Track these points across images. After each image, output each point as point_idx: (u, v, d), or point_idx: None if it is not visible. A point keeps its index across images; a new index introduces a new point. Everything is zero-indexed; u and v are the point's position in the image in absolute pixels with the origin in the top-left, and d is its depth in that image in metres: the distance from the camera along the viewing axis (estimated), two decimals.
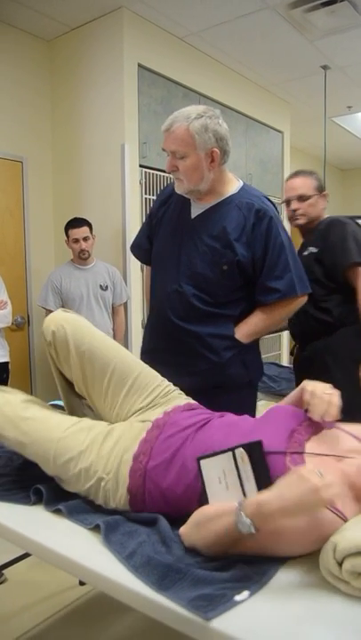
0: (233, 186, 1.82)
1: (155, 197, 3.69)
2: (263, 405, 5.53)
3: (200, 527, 1.06)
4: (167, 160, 1.72)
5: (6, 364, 3.07)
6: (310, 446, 1.15)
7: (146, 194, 3.68)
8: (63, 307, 3.25)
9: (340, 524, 1.01)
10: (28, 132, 3.77)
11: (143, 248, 2.03)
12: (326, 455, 1.13)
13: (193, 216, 1.81)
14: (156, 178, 3.76)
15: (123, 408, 1.46)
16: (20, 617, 2.09)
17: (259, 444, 1.10)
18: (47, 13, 3.45)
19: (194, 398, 1.55)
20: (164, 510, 1.20)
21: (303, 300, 1.85)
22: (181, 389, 1.58)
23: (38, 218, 3.83)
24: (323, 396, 1.19)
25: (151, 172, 3.71)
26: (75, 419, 1.45)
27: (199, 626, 0.87)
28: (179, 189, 1.77)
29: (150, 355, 1.88)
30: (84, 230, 3.28)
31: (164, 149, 1.72)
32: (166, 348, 1.84)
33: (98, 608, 2.17)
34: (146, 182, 3.69)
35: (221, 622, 0.87)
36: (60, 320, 1.52)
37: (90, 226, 3.32)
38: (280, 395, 2.74)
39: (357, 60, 4.26)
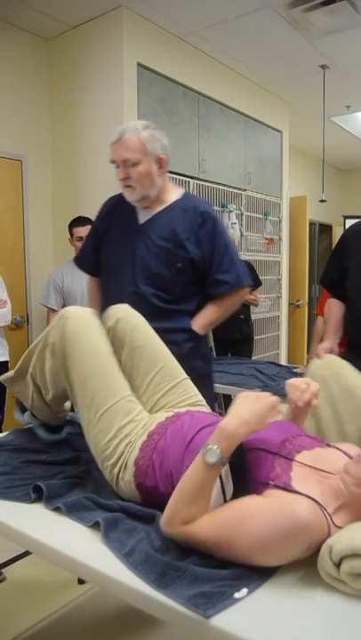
0: (175, 193, 2.02)
1: None
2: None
3: (177, 493, 1.08)
4: (118, 171, 1.89)
5: (5, 363, 3.08)
6: (300, 457, 1.15)
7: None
8: (64, 305, 3.25)
9: (327, 531, 1.00)
10: (28, 131, 3.76)
11: (90, 260, 2.15)
12: (312, 468, 1.12)
13: (141, 222, 1.97)
14: None
15: (157, 404, 1.55)
16: (20, 616, 2.09)
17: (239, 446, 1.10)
18: (47, 12, 3.45)
19: None
20: (162, 489, 1.21)
21: (246, 290, 2.10)
22: None
23: (38, 217, 3.83)
24: (300, 384, 1.30)
25: None
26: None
27: (198, 623, 0.88)
28: (131, 197, 1.92)
29: None
30: (88, 229, 3.28)
31: (113, 160, 1.88)
32: None
33: (97, 606, 2.17)
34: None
35: (220, 620, 0.87)
36: (126, 312, 1.65)
37: None
38: (278, 394, 2.74)
39: (356, 59, 4.26)
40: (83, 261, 2.20)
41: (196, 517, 1.06)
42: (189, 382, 1.62)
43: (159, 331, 1.84)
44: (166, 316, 1.95)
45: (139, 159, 1.86)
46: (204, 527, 1.04)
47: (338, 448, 1.22)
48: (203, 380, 1.96)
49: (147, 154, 1.87)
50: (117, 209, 2.04)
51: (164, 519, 1.09)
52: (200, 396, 1.61)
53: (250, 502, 1.05)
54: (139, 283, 1.93)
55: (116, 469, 1.34)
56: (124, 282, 1.94)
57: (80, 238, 3.29)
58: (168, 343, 1.86)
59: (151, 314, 1.85)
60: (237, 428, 1.06)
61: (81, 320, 1.52)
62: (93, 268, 2.15)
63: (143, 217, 1.98)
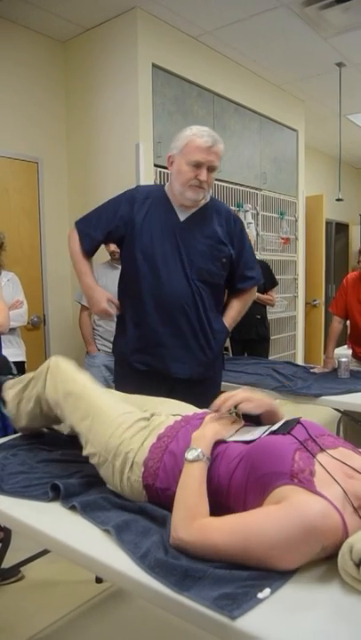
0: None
1: None
2: (279, 405, 5.46)
3: (177, 498, 1.14)
4: (200, 172, 1.97)
5: (22, 363, 3.09)
6: (323, 454, 1.15)
7: None
8: None
9: (342, 533, 0.99)
10: (44, 133, 3.79)
11: (96, 240, 2.16)
12: (337, 461, 1.12)
13: (182, 219, 2.07)
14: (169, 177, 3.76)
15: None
16: (37, 614, 2.10)
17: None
18: (61, 15, 3.47)
19: (185, 389, 1.92)
20: (173, 488, 1.21)
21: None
22: (179, 378, 2.02)
23: (54, 218, 3.85)
24: (222, 396, 1.36)
25: (166, 171, 3.71)
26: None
27: (224, 625, 0.87)
28: (197, 196, 2.02)
29: (149, 349, 2.06)
30: None
31: (199, 162, 1.96)
32: (176, 341, 2.05)
33: (115, 605, 2.17)
34: (161, 181, 3.69)
35: (246, 621, 0.87)
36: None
37: None
38: (295, 394, 2.73)
39: None
40: (89, 240, 2.17)
41: (201, 513, 1.08)
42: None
43: (208, 325, 2.07)
44: (211, 311, 2.11)
45: (217, 167, 2.03)
46: (216, 529, 1.04)
47: (355, 450, 1.21)
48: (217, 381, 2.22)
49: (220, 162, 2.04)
50: (152, 202, 2.09)
51: (173, 525, 1.09)
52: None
53: (263, 509, 1.06)
54: (190, 277, 2.03)
55: (119, 468, 1.34)
56: (173, 275, 2.02)
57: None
58: (211, 338, 2.10)
59: (196, 306, 2.04)
60: (205, 430, 1.27)
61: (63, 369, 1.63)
62: (93, 247, 2.18)
63: (182, 215, 2.08)
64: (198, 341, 2.06)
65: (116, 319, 2.21)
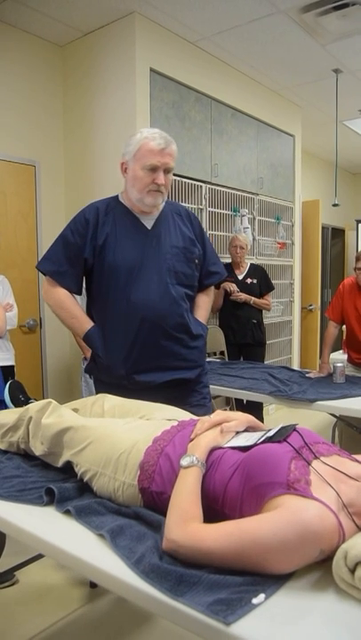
0: None
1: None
2: (275, 410, 5.52)
3: (172, 502, 1.14)
4: (157, 176, 1.92)
5: (12, 367, 3.03)
6: (318, 462, 1.15)
7: None
8: None
9: (339, 536, 1.00)
10: (41, 137, 3.79)
11: (73, 275, 2.02)
12: (331, 469, 1.12)
13: (149, 227, 2.03)
14: None
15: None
16: (32, 619, 2.09)
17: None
18: (60, 19, 3.48)
19: (172, 395, 1.87)
20: (168, 491, 1.21)
21: None
22: (171, 387, 1.97)
23: (51, 221, 3.86)
24: (199, 423, 1.36)
25: None
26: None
27: (219, 631, 0.87)
28: (156, 201, 1.98)
29: (133, 359, 1.98)
30: None
31: (155, 166, 1.91)
32: (158, 352, 1.99)
33: (109, 611, 2.16)
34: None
35: (240, 627, 0.86)
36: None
37: None
38: (291, 398, 2.74)
39: None
40: (64, 277, 2.02)
41: (194, 517, 1.08)
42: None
43: (188, 331, 2.03)
44: (192, 313, 2.11)
45: (173, 168, 1.98)
46: (211, 533, 1.04)
47: (356, 459, 1.21)
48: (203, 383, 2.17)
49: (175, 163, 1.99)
50: (112, 216, 2.02)
51: (167, 528, 1.08)
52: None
53: (260, 515, 1.05)
54: (169, 283, 1.99)
55: (111, 475, 1.34)
56: (152, 285, 1.96)
57: None
58: (196, 342, 2.07)
59: (179, 313, 2.00)
60: (201, 442, 1.26)
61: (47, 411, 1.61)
62: (77, 284, 2.04)
63: (147, 222, 2.03)
64: (186, 345, 2.03)
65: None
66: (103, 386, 2.04)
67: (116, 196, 2.08)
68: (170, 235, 2.04)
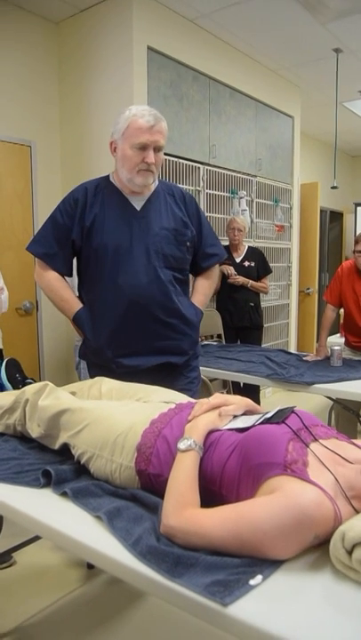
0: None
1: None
2: (271, 392, 5.53)
3: (169, 485, 1.13)
4: (147, 154, 1.87)
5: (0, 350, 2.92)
6: (316, 444, 1.15)
7: None
8: None
9: (335, 521, 1.00)
10: (37, 116, 3.74)
11: (63, 257, 2.01)
12: (330, 451, 1.12)
13: (138, 208, 1.98)
14: (166, 162, 3.73)
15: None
16: (29, 599, 2.11)
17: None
18: None
19: (158, 377, 1.85)
20: (165, 474, 1.21)
21: None
22: (157, 371, 1.95)
23: (47, 203, 3.81)
24: (197, 404, 1.36)
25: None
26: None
27: (216, 612, 0.87)
28: (147, 180, 1.92)
29: (128, 346, 1.97)
30: None
31: (145, 144, 1.85)
32: (145, 335, 1.97)
33: (106, 591, 2.18)
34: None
35: (238, 607, 0.86)
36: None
37: None
38: (288, 381, 2.74)
39: None
40: (54, 259, 2.01)
41: (191, 502, 1.08)
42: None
43: (179, 315, 2.01)
44: (181, 298, 2.04)
45: (164, 146, 1.92)
46: (208, 517, 1.04)
47: (354, 443, 1.21)
48: (192, 364, 2.15)
49: (165, 141, 1.93)
50: (101, 197, 1.98)
51: (164, 513, 1.08)
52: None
53: (256, 498, 1.05)
54: (157, 267, 1.95)
55: (108, 457, 1.34)
56: (140, 268, 1.93)
57: None
58: (185, 327, 2.03)
59: (168, 297, 1.97)
60: (199, 422, 1.26)
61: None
62: (66, 266, 2.04)
63: (137, 203, 1.98)
64: (175, 328, 2.00)
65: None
66: (95, 369, 2.03)
67: (107, 176, 2.05)
68: (160, 216, 1.99)
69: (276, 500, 1.00)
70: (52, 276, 2.01)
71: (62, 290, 2.02)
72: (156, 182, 2.04)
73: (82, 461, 1.41)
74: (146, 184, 1.94)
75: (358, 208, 7.11)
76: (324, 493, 1.00)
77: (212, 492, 1.16)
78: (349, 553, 0.94)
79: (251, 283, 4.07)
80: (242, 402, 1.38)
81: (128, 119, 1.86)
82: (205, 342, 3.88)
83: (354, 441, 1.22)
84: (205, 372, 3.08)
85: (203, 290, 2.16)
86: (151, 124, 1.84)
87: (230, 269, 4.00)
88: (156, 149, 1.89)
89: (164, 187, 2.07)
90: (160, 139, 1.88)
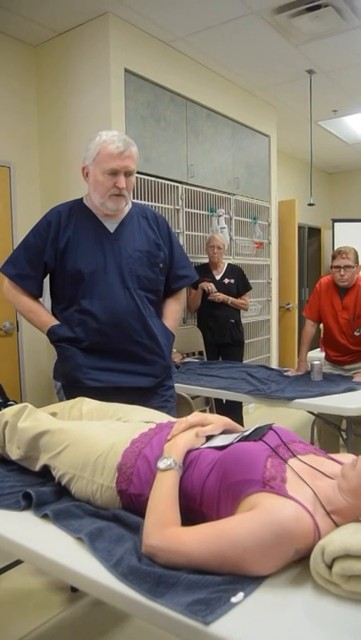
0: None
1: (141, 201, 3.70)
2: (254, 408, 5.54)
3: (150, 506, 1.14)
4: (118, 179, 1.90)
5: None
6: (294, 460, 1.17)
7: (134, 198, 3.67)
8: None
9: (314, 535, 1.01)
10: (16, 138, 3.75)
11: (34, 278, 2.03)
12: (308, 467, 1.14)
13: (112, 230, 2.01)
14: (144, 182, 3.77)
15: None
16: (12, 625, 2.07)
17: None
18: (33, 18, 3.45)
19: (134, 396, 1.86)
20: (146, 493, 1.21)
21: None
22: (132, 392, 1.95)
23: (26, 223, 3.78)
24: (175, 424, 1.37)
25: (139, 176, 3.71)
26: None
27: (198, 631, 0.87)
28: (119, 205, 1.96)
29: (102, 365, 1.97)
30: None
31: (116, 170, 1.89)
32: (119, 357, 1.98)
33: (90, 614, 2.15)
34: (134, 186, 3.68)
35: (219, 626, 0.87)
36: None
37: None
38: (269, 397, 2.75)
39: (342, 64, 4.30)
40: (21, 279, 2.02)
41: (172, 521, 1.08)
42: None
43: (152, 336, 2.01)
44: (155, 320, 2.06)
45: (135, 170, 1.96)
46: (189, 536, 1.04)
47: (332, 458, 1.22)
48: (167, 384, 2.15)
49: (136, 165, 1.97)
50: (75, 220, 2.01)
51: (145, 533, 1.09)
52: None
53: (235, 516, 1.06)
54: (131, 288, 1.97)
55: (89, 477, 1.33)
56: (115, 290, 1.95)
57: None
58: (158, 348, 2.04)
59: (143, 319, 1.98)
60: (178, 441, 1.27)
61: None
62: (37, 288, 2.05)
63: (111, 225, 2.01)
64: (149, 350, 2.01)
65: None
66: (71, 390, 2.02)
67: (81, 199, 2.07)
68: (133, 238, 2.02)
69: (255, 516, 1.00)
70: (24, 298, 2.04)
71: (30, 302, 2.05)
72: (130, 205, 2.07)
73: (63, 483, 1.40)
74: (118, 208, 1.97)
75: (336, 224, 7.23)
76: (302, 508, 1.01)
77: (193, 510, 1.16)
78: (329, 567, 0.95)
79: (231, 300, 4.10)
80: (220, 421, 1.39)
81: (98, 145, 1.89)
82: (187, 359, 3.89)
83: (332, 455, 1.24)
84: (187, 389, 3.09)
85: (173, 315, 2.18)
86: (121, 150, 1.87)
87: (211, 286, 4.03)
88: (127, 174, 1.92)
89: (137, 209, 2.10)
90: (130, 164, 1.91)
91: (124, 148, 1.88)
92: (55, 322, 2.02)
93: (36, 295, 2.06)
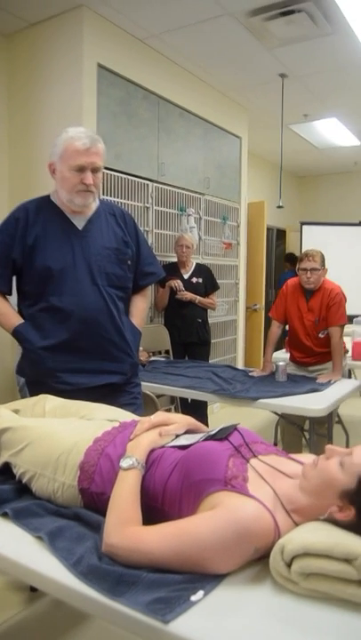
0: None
1: (111, 198, 3.67)
2: (218, 408, 5.57)
3: (111, 505, 1.13)
4: (84, 176, 1.88)
5: None
6: (256, 460, 1.18)
7: (104, 194, 3.65)
8: None
9: (274, 534, 1.02)
10: None
11: (1, 274, 1.99)
12: (269, 467, 1.16)
13: (80, 227, 2.00)
14: (114, 179, 3.75)
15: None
16: None
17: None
18: (5, 8, 3.38)
19: (101, 394, 1.83)
20: (108, 492, 1.20)
21: None
22: (101, 390, 1.93)
23: None
24: (139, 423, 1.36)
25: (109, 172, 3.69)
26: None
27: (157, 629, 0.87)
28: (86, 201, 1.95)
29: (70, 366, 1.95)
30: None
31: (82, 166, 1.87)
32: (88, 354, 1.97)
33: (50, 614, 2.13)
34: (104, 183, 3.66)
35: (178, 624, 0.87)
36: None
37: None
38: (234, 397, 2.77)
39: (314, 69, 4.36)
40: None
41: (133, 520, 1.08)
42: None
43: (121, 334, 2.01)
44: (124, 317, 2.07)
45: (102, 167, 1.94)
46: (150, 534, 1.05)
47: (293, 458, 1.24)
48: (135, 381, 2.16)
49: (103, 162, 1.96)
50: (43, 216, 1.99)
51: (106, 531, 1.08)
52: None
53: (198, 514, 1.07)
54: (100, 285, 1.97)
55: (51, 475, 1.32)
56: (84, 287, 1.94)
57: None
58: (127, 347, 2.04)
59: (112, 316, 1.98)
60: (140, 440, 1.27)
61: None
62: (7, 285, 2.01)
63: (79, 222, 2.00)
64: (118, 347, 2.01)
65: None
66: (35, 387, 1.99)
67: (48, 196, 2.05)
68: (102, 235, 2.02)
69: (216, 515, 1.01)
70: None
71: (1, 305, 2.00)
72: (97, 202, 2.07)
73: (23, 480, 1.38)
74: (85, 204, 1.96)
75: (304, 227, 7.33)
76: (263, 507, 1.02)
77: (155, 509, 1.16)
78: (288, 565, 0.97)
79: (199, 299, 4.11)
80: (183, 420, 1.39)
81: (65, 142, 1.88)
82: (153, 358, 3.89)
83: (293, 456, 1.25)
84: (152, 387, 3.08)
85: (139, 313, 2.18)
86: (87, 147, 1.86)
87: (178, 283, 4.03)
88: (94, 170, 1.91)
89: (105, 206, 2.10)
90: (97, 160, 1.90)
91: (91, 145, 1.87)
92: (20, 320, 1.98)
93: (4, 292, 2.02)
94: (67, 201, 1.95)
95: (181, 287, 4.04)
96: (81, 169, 1.88)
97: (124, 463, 1.20)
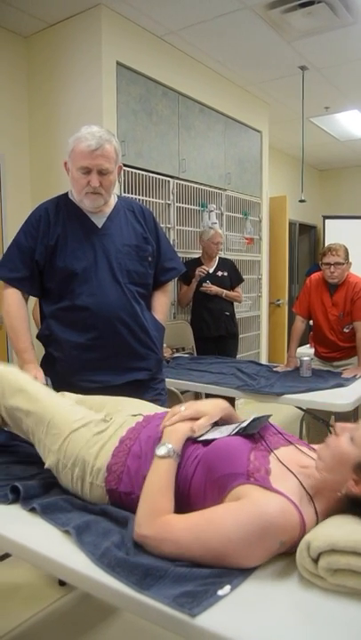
0: (114, 195, 2.08)
1: (133, 195, 3.68)
2: (243, 404, 5.55)
3: (144, 493, 1.13)
4: (91, 178, 1.85)
5: None
6: (278, 452, 1.18)
7: (125, 192, 3.67)
8: None
9: (300, 528, 1.02)
10: (7, 128, 3.72)
11: (30, 278, 1.98)
12: (290, 460, 1.16)
13: (100, 225, 1.98)
14: (135, 176, 3.76)
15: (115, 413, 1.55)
16: (0, 618, 2.07)
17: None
18: (25, 9, 3.42)
19: (126, 392, 1.78)
20: (136, 492, 1.20)
21: None
22: (126, 387, 1.90)
23: (16, 217, 3.78)
24: (169, 414, 1.34)
25: (130, 170, 3.70)
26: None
27: (185, 623, 0.87)
28: (94, 204, 1.93)
29: (96, 364, 1.96)
30: None
31: (87, 168, 1.85)
32: (113, 352, 1.96)
33: (79, 607, 2.15)
34: (125, 180, 3.68)
35: (205, 618, 0.87)
36: None
37: None
38: (258, 392, 2.76)
39: (334, 61, 4.30)
40: (23, 283, 1.98)
41: (164, 510, 1.09)
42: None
43: (145, 331, 2.01)
44: (147, 312, 2.07)
45: (113, 169, 1.90)
46: (178, 524, 1.05)
47: (314, 448, 1.24)
48: (159, 377, 2.15)
49: (115, 163, 1.92)
50: (62, 216, 1.98)
51: (137, 521, 1.09)
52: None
53: (223, 505, 1.07)
54: (122, 283, 1.96)
55: (79, 475, 1.33)
56: (106, 285, 1.94)
57: None
58: (152, 343, 2.04)
59: (135, 313, 1.98)
60: (178, 425, 1.26)
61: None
62: (35, 288, 2.01)
63: (98, 220, 1.99)
64: (142, 343, 2.00)
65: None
66: (60, 386, 1.95)
67: (66, 194, 2.04)
68: (121, 233, 2.00)
69: (242, 508, 1.01)
70: (13, 301, 1.98)
71: (16, 320, 1.98)
72: (115, 199, 2.06)
73: (47, 465, 1.40)
74: (95, 206, 1.94)
75: (327, 221, 7.25)
76: (287, 500, 1.02)
77: (182, 504, 1.17)
78: (315, 561, 0.96)
79: (225, 292, 4.10)
80: (215, 409, 1.34)
81: (73, 142, 1.87)
82: (177, 354, 3.89)
83: (313, 446, 1.25)
84: (177, 384, 3.09)
85: (162, 308, 2.16)
86: (92, 149, 1.82)
87: (204, 268, 4.01)
88: (102, 173, 1.87)
89: (123, 203, 2.08)
90: (103, 162, 1.85)
91: (97, 146, 1.83)
92: (34, 362, 1.98)
93: (36, 295, 2.04)
94: (78, 201, 1.96)
95: (207, 271, 4.02)
96: (86, 171, 1.86)
97: (160, 451, 1.19)
